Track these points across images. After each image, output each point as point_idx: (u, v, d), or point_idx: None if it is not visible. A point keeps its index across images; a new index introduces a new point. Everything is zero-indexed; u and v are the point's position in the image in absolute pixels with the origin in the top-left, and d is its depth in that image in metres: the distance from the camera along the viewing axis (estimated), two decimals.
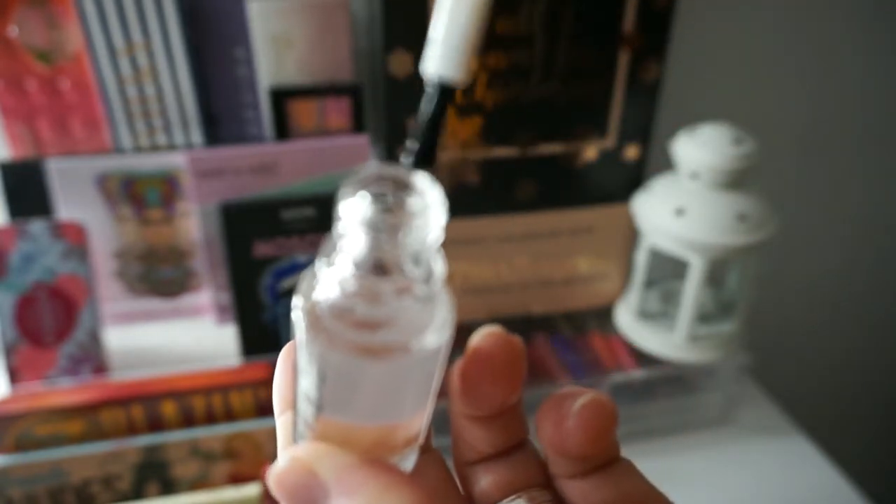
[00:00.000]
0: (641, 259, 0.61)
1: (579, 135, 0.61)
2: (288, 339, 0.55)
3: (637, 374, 0.60)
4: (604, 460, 0.20)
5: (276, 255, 0.59)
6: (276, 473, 0.18)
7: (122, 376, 0.54)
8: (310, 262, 0.59)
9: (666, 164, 0.62)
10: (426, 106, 0.21)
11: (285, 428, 0.20)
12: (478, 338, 0.19)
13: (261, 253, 0.58)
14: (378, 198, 0.16)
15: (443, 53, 0.21)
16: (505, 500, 0.20)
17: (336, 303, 0.16)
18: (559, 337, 0.65)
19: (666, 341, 0.60)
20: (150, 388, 0.51)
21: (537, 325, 0.67)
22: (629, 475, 0.20)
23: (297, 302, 0.17)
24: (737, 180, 0.55)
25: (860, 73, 0.79)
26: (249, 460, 0.50)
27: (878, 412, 1.06)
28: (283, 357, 0.21)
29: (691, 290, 0.57)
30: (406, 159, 0.21)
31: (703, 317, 0.61)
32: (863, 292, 0.96)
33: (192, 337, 0.63)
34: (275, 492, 0.18)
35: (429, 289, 0.17)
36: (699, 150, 0.54)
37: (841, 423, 0.99)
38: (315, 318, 0.16)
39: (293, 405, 0.19)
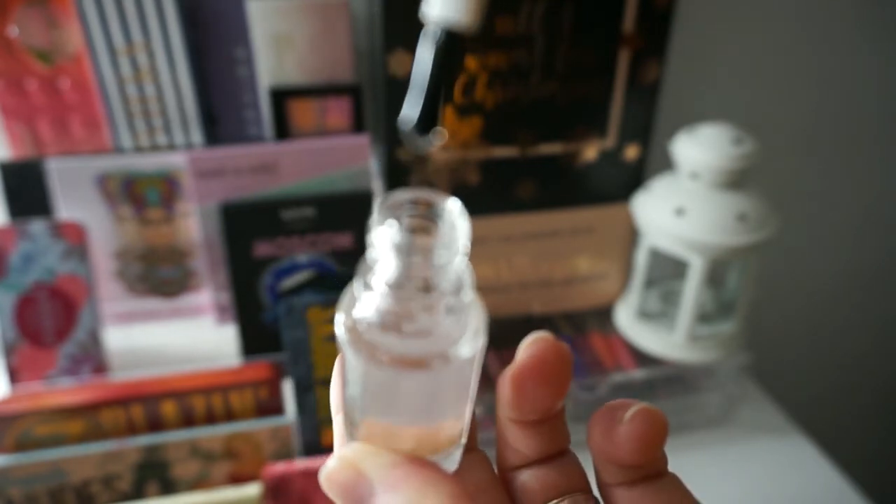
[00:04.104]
0: (641, 259, 0.61)
1: (579, 135, 0.61)
2: (287, 339, 0.55)
3: (637, 374, 0.60)
4: (651, 471, 0.20)
5: (276, 255, 0.59)
6: (326, 472, 0.19)
7: (122, 376, 0.54)
8: (310, 263, 0.59)
9: (666, 164, 0.62)
10: (428, 56, 0.18)
11: (339, 427, 0.21)
12: (528, 343, 0.20)
13: (261, 253, 0.58)
14: (406, 223, 0.18)
15: None
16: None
17: (373, 319, 0.18)
18: (559, 337, 0.65)
19: (666, 341, 0.60)
20: (150, 388, 0.51)
21: (537, 325, 0.67)
22: (676, 489, 0.20)
23: (338, 319, 0.18)
24: (737, 180, 0.55)
25: (860, 73, 0.79)
26: (249, 460, 0.50)
27: (878, 412, 1.06)
28: (338, 362, 0.22)
29: (691, 290, 0.57)
30: (406, 122, 0.19)
31: (703, 317, 0.61)
32: (863, 292, 0.96)
33: (192, 337, 0.63)
34: (326, 488, 0.19)
35: (459, 301, 0.18)
36: (699, 150, 0.54)
37: (841, 423, 0.99)
38: (355, 333, 0.18)
39: (344, 409, 0.20)
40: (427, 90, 0.18)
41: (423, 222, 0.18)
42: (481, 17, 0.18)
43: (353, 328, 0.18)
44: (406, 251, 0.17)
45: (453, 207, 0.18)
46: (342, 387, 0.20)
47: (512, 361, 0.20)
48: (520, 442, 0.21)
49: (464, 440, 0.20)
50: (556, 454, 0.21)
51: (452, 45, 0.18)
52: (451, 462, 0.20)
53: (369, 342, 0.18)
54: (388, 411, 0.19)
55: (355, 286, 0.18)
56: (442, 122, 0.19)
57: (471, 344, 0.18)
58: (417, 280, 0.17)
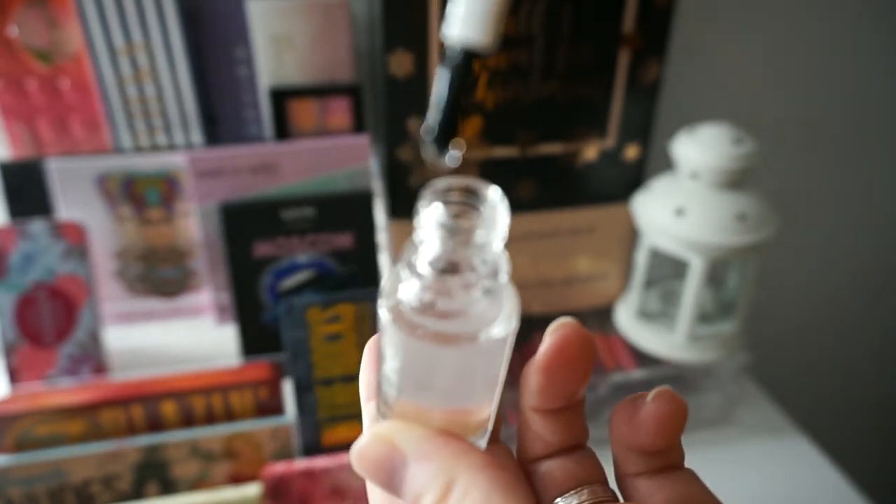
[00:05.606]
0: (641, 259, 0.61)
1: (579, 135, 0.61)
2: (287, 339, 0.55)
3: (637, 374, 0.60)
4: (670, 462, 0.21)
5: (276, 255, 0.59)
6: (358, 447, 0.20)
7: (122, 376, 0.54)
8: (310, 263, 0.59)
9: (666, 164, 0.62)
10: (447, 75, 0.19)
11: (370, 414, 0.22)
12: (553, 329, 0.20)
13: (261, 253, 0.58)
14: (451, 206, 0.19)
15: (468, 14, 0.19)
16: (567, 493, 0.21)
17: (415, 298, 0.19)
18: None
19: (666, 341, 0.60)
20: (150, 388, 0.51)
21: (537, 325, 0.66)
22: (693, 481, 0.21)
23: (381, 298, 0.19)
24: (737, 180, 0.55)
25: (860, 73, 0.79)
26: (249, 460, 0.50)
27: (878, 412, 1.06)
28: (367, 351, 0.23)
29: (691, 290, 0.57)
30: (427, 135, 0.20)
31: (703, 317, 0.61)
32: (863, 292, 0.96)
33: (192, 337, 0.63)
34: (357, 465, 0.20)
35: (495, 283, 0.19)
36: (699, 150, 0.54)
37: (841, 423, 0.99)
38: (398, 311, 0.19)
39: (377, 393, 0.21)
40: (444, 110, 0.19)
41: (466, 207, 0.19)
42: (498, 37, 0.20)
43: (395, 306, 0.19)
44: (451, 230, 0.18)
45: (495, 194, 0.19)
46: (376, 371, 0.21)
47: (537, 350, 0.21)
48: (543, 430, 0.22)
49: (490, 427, 0.21)
50: (576, 447, 0.22)
51: (471, 65, 0.19)
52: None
53: (409, 320, 0.19)
54: (421, 390, 0.20)
55: (399, 267, 0.19)
56: (460, 141, 0.20)
57: (503, 326, 0.19)
58: (457, 260, 0.18)
